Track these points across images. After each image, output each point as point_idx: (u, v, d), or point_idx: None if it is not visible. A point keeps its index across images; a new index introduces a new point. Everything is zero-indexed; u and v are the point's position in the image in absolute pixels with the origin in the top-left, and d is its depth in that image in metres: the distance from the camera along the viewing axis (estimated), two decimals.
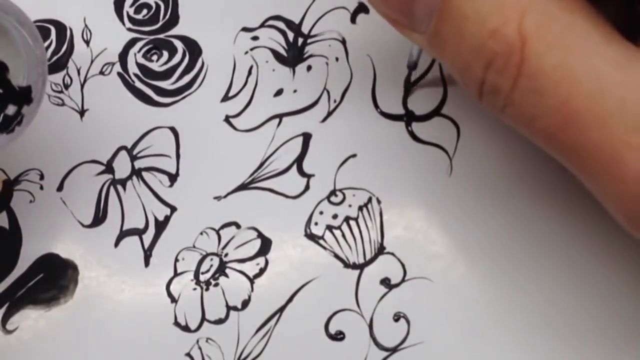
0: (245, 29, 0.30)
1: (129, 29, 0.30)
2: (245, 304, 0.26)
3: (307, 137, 0.28)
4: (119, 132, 0.29)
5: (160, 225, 0.28)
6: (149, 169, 0.28)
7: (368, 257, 0.26)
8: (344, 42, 0.29)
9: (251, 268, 0.27)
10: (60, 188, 0.29)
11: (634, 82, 0.17)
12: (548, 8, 0.17)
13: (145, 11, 0.31)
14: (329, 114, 0.28)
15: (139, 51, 0.30)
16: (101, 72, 0.30)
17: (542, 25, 0.17)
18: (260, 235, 0.27)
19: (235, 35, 0.30)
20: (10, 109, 0.26)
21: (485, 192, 0.26)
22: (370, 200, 0.27)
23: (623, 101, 0.17)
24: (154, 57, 0.30)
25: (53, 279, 0.28)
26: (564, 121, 0.17)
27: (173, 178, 0.28)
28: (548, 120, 0.18)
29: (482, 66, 0.18)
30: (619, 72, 0.17)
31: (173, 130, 0.29)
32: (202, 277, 0.27)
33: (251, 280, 0.26)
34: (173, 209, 0.28)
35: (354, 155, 0.27)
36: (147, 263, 0.27)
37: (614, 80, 0.17)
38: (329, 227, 0.26)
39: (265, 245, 0.27)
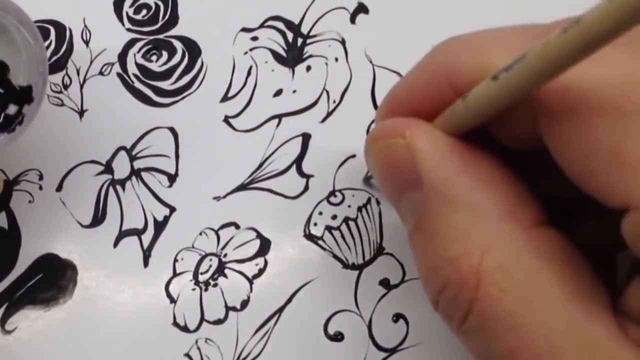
0: (244, 29, 0.30)
1: (129, 29, 0.30)
2: (244, 304, 0.26)
3: (306, 138, 0.28)
4: (118, 133, 0.29)
5: (160, 226, 0.28)
6: (148, 169, 0.28)
7: (367, 257, 0.26)
8: (343, 42, 0.29)
9: (250, 268, 0.27)
10: (59, 188, 0.29)
11: (587, 345, 0.16)
12: (515, 249, 0.17)
13: (144, 11, 0.31)
14: (329, 114, 0.28)
15: (138, 51, 0.30)
16: (100, 73, 0.30)
17: (503, 268, 0.16)
18: (259, 235, 0.27)
19: (235, 35, 0.30)
20: (11, 109, 0.26)
21: None
22: (369, 200, 0.27)
23: None
24: (154, 58, 0.30)
25: (52, 279, 0.28)
26: None
27: (172, 178, 0.28)
28: None
29: (436, 288, 0.18)
30: (573, 333, 0.16)
31: (172, 130, 0.29)
32: (201, 278, 0.27)
33: (250, 281, 0.26)
34: (172, 209, 0.28)
35: (353, 156, 0.27)
36: (146, 263, 0.27)
37: (567, 341, 0.16)
38: (328, 228, 0.26)
39: (265, 246, 0.27)
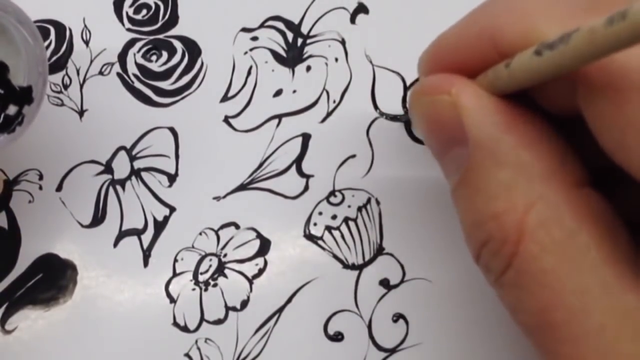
0: (244, 29, 0.30)
1: (129, 29, 0.30)
2: (244, 304, 0.26)
3: (306, 138, 0.28)
4: (118, 133, 0.29)
5: (159, 226, 0.28)
6: (148, 169, 0.28)
7: (367, 257, 0.26)
8: (343, 42, 0.29)
9: (250, 268, 0.27)
10: (59, 188, 0.29)
11: (618, 310, 0.16)
12: (557, 208, 0.17)
13: (144, 11, 0.31)
14: (329, 114, 0.28)
15: (138, 51, 0.30)
16: (100, 72, 0.30)
17: (545, 225, 0.17)
18: (259, 235, 0.27)
19: (235, 35, 0.30)
20: (11, 109, 0.25)
21: None
22: (369, 201, 0.27)
23: (602, 327, 0.16)
24: (153, 58, 0.30)
25: (52, 279, 0.28)
26: (540, 325, 0.17)
27: (172, 178, 0.28)
28: (527, 317, 0.17)
29: (479, 242, 0.18)
30: (606, 296, 0.16)
31: (172, 130, 0.29)
32: (201, 278, 0.27)
33: (250, 281, 0.26)
34: (172, 209, 0.28)
35: (353, 156, 0.27)
36: (146, 263, 0.27)
37: (599, 304, 0.16)
38: (328, 228, 0.26)
39: (264, 246, 0.27)
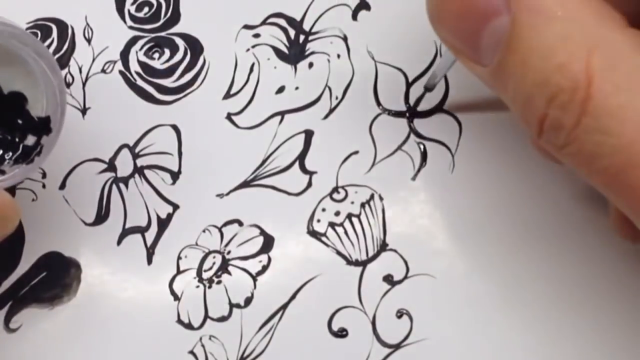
0: (246, 27, 0.30)
1: (131, 27, 0.30)
2: (248, 301, 0.26)
3: (309, 134, 0.28)
4: (121, 131, 0.29)
5: (163, 223, 0.28)
6: (151, 167, 0.28)
7: (371, 253, 0.26)
8: (345, 39, 0.29)
9: (254, 265, 0.27)
10: (62, 186, 0.29)
11: None
12: (617, 47, 0.17)
13: (146, 9, 0.31)
14: (331, 110, 0.28)
15: (140, 49, 0.30)
16: (103, 71, 0.30)
17: (611, 64, 0.17)
18: (262, 232, 0.27)
19: (237, 32, 0.30)
20: (30, 140, 0.25)
21: (487, 188, 0.26)
22: (372, 197, 0.27)
23: None
24: (156, 55, 0.30)
25: (56, 278, 0.28)
26: (628, 161, 0.17)
27: (175, 176, 0.28)
28: (611, 159, 0.17)
29: (545, 100, 0.18)
30: None
31: (175, 128, 0.29)
32: (205, 275, 0.27)
33: (254, 278, 0.26)
34: (175, 206, 0.28)
35: (356, 152, 0.27)
36: (149, 261, 0.27)
37: None
38: (332, 224, 0.26)
39: (268, 243, 0.27)
